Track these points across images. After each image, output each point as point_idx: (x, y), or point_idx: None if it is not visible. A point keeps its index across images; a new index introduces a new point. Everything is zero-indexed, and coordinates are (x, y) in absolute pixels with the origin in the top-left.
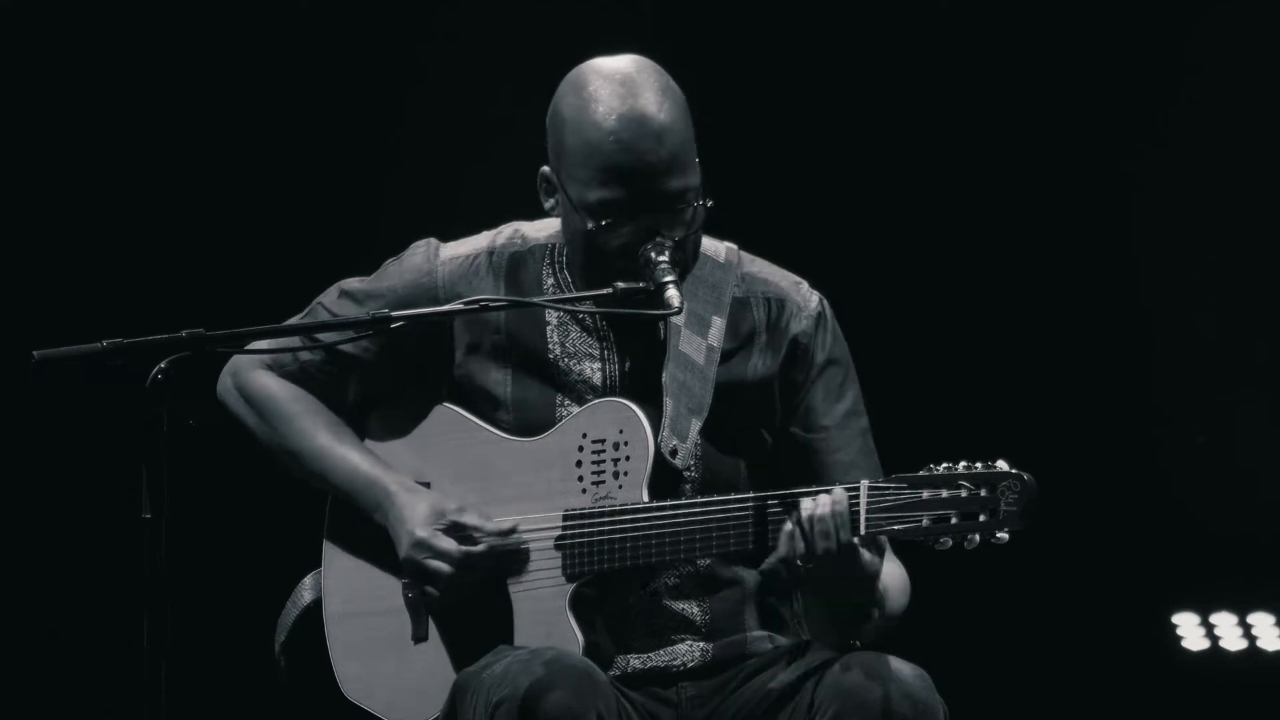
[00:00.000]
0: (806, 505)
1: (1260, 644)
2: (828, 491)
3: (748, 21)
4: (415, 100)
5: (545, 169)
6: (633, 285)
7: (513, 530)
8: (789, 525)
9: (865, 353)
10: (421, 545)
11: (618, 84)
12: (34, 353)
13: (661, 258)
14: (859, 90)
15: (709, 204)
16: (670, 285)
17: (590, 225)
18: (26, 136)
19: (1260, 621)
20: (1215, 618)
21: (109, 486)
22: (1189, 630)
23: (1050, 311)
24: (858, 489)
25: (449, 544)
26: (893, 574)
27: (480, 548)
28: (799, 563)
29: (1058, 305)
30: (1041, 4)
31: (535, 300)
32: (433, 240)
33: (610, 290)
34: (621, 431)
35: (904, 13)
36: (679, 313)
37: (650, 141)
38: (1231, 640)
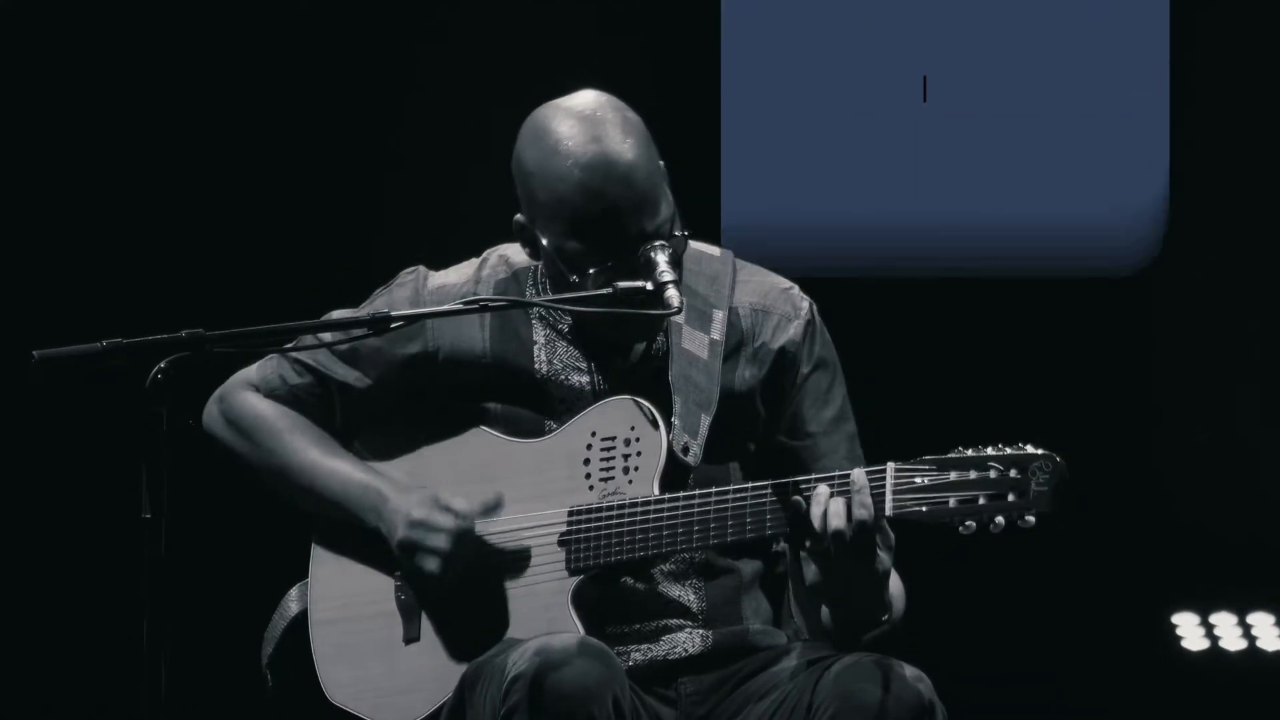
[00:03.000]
0: (821, 493)
1: (1260, 644)
2: (845, 478)
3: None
4: (415, 100)
5: (519, 218)
6: (632, 285)
7: (499, 504)
8: (811, 510)
9: (869, 354)
10: (417, 524)
11: (577, 128)
12: (34, 353)
13: (661, 258)
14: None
15: (687, 234)
16: (670, 285)
17: (574, 278)
18: (26, 136)
19: (1260, 621)
20: (1215, 618)
21: (109, 486)
22: (1189, 630)
23: (1050, 311)
24: (884, 470)
25: (445, 519)
26: (895, 584)
27: (471, 524)
28: (815, 547)
29: (1058, 305)
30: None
31: (535, 301)
32: (420, 269)
33: (610, 290)
34: (633, 428)
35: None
36: (679, 312)
37: (619, 186)
38: (1231, 640)
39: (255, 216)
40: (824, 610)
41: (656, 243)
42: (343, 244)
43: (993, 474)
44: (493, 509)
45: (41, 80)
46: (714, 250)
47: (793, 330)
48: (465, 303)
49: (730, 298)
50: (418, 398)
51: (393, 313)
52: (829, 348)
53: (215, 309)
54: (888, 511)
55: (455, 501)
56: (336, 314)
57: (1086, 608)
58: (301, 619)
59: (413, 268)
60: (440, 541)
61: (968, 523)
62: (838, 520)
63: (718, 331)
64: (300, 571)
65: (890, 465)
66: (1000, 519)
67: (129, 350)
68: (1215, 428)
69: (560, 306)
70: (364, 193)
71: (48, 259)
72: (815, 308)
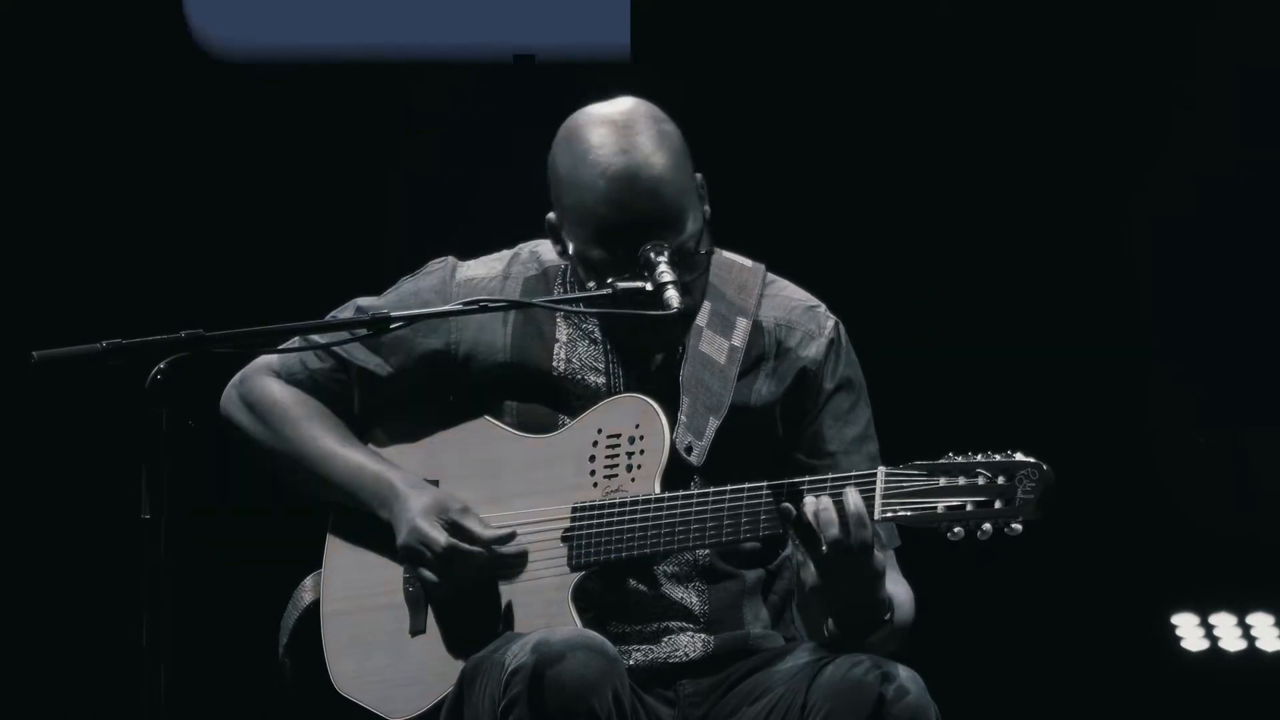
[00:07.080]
0: (810, 502)
1: (1260, 644)
2: (841, 482)
3: (749, 27)
4: (419, 100)
5: (551, 216)
6: (632, 285)
7: (511, 536)
8: (805, 511)
9: (866, 354)
10: (418, 532)
11: (610, 137)
12: (34, 353)
13: (661, 258)
14: (861, 92)
15: (711, 251)
16: (670, 286)
17: (593, 284)
18: (26, 136)
19: (1260, 622)
20: (1214, 618)
21: (109, 486)
22: (1188, 631)
23: (1050, 311)
24: (874, 475)
25: (444, 536)
26: (900, 588)
27: (477, 547)
28: (811, 548)
29: (1058, 305)
30: (1044, 5)
31: (534, 301)
32: (450, 259)
33: (610, 290)
34: (638, 426)
35: (904, 14)
36: (677, 313)
37: (644, 199)
38: (1231, 641)
39: (256, 216)
40: (829, 615)
41: (657, 242)
42: (344, 245)
43: (981, 481)
44: (504, 540)
45: (41, 80)
46: (746, 261)
47: (815, 349)
48: (465, 303)
49: (756, 309)
50: (436, 388)
51: (393, 313)
52: (854, 368)
53: (215, 309)
54: (875, 515)
55: (468, 520)
56: (362, 300)
57: (1086, 608)
58: (314, 609)
59: (442, 258)
60: (438, 558)
61: (955, 529)
62: (830, 522)
63: (739, 339)
64: (300, 572)
65: (880, 469)
66: (987, 526)
67: (129, 350)
68: (1214, 429)
69: (560, 307)
70: (366, 193)
71: (48, 259)
72: (842, 327)
